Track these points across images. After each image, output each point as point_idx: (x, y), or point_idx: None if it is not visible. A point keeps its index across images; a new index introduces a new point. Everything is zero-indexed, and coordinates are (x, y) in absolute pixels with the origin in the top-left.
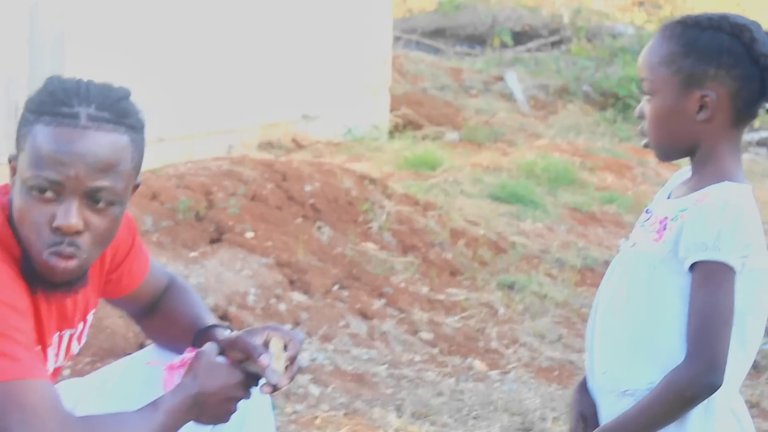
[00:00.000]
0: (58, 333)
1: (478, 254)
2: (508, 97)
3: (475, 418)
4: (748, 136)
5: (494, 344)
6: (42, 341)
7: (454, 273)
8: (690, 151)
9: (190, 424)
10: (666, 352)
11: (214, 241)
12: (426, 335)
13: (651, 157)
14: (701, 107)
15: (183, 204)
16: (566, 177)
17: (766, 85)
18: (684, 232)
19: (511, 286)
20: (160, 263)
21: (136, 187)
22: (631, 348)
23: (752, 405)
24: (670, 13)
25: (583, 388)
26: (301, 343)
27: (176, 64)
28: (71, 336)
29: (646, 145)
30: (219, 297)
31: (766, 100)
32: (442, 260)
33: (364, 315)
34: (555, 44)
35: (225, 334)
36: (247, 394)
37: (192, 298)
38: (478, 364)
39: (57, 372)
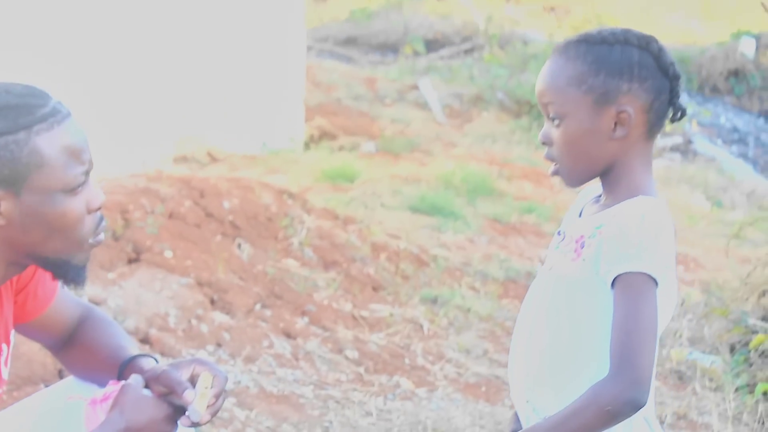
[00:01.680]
0: None
1: (401, 268)
2: (423, 105)
3: None
4: (661, 142)
5: (420, 361)
6: None
7: (376, 288)
8: (603, 172)
9: None
10: (590, 377)
11: (132, 261)
12: (351, 353)
13: None
14: (616, 124)
15: None
16: (484, 187)
17: (674, 95)
18: (604, 247)
19: (434, 301)
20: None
21: None
22: (553, 375)
23: (680, 417)
24: (582, 18)
25: None
26: (225, 380)
27: (87, 76)
28: None
29: (555, 173)
30: (139, 319)
31: (673, 110)
32: (365, 275)
33: (288, 334)
34: (467, 52)
35: (151, 364)
36: (173, 427)
37: (112, 328)
38: (405, 382)
39: None
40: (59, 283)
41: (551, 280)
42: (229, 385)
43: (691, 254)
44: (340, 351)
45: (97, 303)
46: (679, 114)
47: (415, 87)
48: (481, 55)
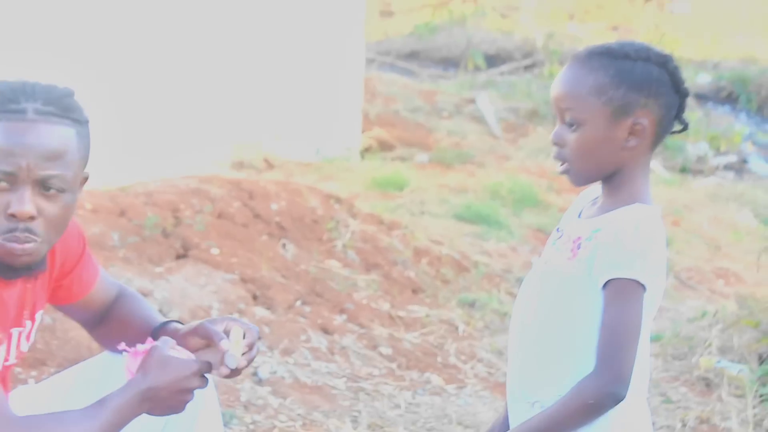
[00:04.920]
0: (7, 331)
1: (441, 273)
2: (480, 119)
3: (429, 430)
4: (716, 160)
5: (452, 360)
6: None
7: (416, 291)
8: (609, 176)
9: (144, 418)
10: (574, 366)
11: (179, 257)
12: (385, 350)
13: None
14: (630, 134)
15: (150, 220)
16: (531, 198)
17: (680, 111)
18: (599, 251)
19: (471, 304)
20: (126, 278)
21: (85, 179)
22: (541, 361)
23: (702, 421)
24: (645, 37)
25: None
26: (257, 333)
27: (148, 83)
28: (20, 334)
29: (564, 172)
30: (183, 311)
31: (678, 125)
32: (405, 278)
33: (326, 330)
34: (528, 68)
35: (181, 327)
36: (202, 383)
37: (142, 302)
38: (436, 379)
39: (8, 369)
40: (99, 266)
41: (546, 275)
42: (265, 375)
43: (732, 269)
44: (374, 347)
45: (144, 294)
46: (681, 128)
47: (473, 101)
48: (541, 71)
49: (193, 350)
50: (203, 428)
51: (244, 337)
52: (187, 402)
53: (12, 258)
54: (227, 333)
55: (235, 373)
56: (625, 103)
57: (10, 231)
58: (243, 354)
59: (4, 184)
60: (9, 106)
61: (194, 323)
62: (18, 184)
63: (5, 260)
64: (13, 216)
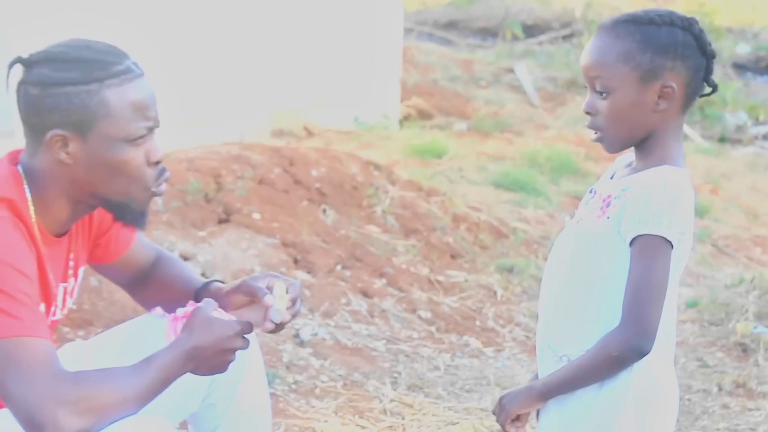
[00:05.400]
0: (57, 287)
1: (479, 239)
2: (518, 88)
3: (468, 391)
4: (755, 130)
5: (491, 323)
6: (47, 296)
7: (454, 256)
8: (642, 140)
9: (190, 378)
10: (601, 321)
11: (222, 221)
12: (424, 314)
13: None
14: (659, 98)
15: (192, 186)
16: (569, 166)
17: (708, 73)
18: (627, 208)
19: (510, 270)
20: (170, 242)
21: None
22: (569, 316)
23: (738, 385)
24: (684, 7)
25: None
26: (300, 287)
27: (190, 52)
28: (65, 290)
29: (598, 139)
30: (225, 274)
31: (707, 86)
32: (443, 243)
33: (365, 293)
34: (566, 37)
35: (224, 286)
36: (244, 344)
37: (183, 265)
38: (474, 342)
39: (54, 325)
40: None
41: (576, 232)
42: (307, 337)
43: None
44: (414, 311)
45: (187, 258)
46: (711, 90)
47: (511, 70)
48: (579, 41)
49: (237, 308)
50: (248, 387)
51: (287, 292)
52: (230, 362)
53: (150, 204)
54: (270, 289)
55: (279, 327)
56: (652, 67)
57: (160, 175)
58: (287, 309)
59: (146, 136)
60: (116, 68)
61: (237, 282)
62: (151, 133)
63: (143, 208)
64: (158, 162)
